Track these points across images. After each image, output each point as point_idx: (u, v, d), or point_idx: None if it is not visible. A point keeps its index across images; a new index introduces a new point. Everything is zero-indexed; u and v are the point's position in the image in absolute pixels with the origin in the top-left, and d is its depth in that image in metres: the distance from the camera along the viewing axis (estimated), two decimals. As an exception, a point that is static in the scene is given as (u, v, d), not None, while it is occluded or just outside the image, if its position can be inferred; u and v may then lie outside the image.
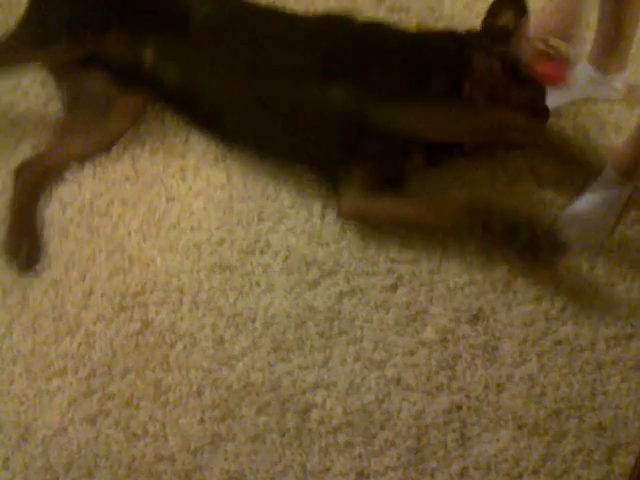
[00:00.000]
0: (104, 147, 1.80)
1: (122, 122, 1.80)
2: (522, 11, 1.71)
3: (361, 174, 1.64)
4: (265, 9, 1.79)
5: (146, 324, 1.62)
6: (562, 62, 1.74)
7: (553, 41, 1.73)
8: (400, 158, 1.66)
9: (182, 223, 1.72)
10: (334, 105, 1.60)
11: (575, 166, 1.73)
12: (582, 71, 1.82)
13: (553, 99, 1.80)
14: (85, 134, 1.79)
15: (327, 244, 1.68)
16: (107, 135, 1.80)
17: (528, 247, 1.58)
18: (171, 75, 1.71)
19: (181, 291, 1.65)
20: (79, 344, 1.61)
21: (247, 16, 1.74)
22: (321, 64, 1.63)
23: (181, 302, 1.64)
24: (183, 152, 1.80)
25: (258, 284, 1.65)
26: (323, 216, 1.71)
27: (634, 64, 1.83)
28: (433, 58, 1.65)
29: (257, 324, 1.61)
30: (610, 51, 1.76)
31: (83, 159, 1.79)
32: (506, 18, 1.73)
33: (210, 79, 1.69)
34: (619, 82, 1.82)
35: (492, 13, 1.75)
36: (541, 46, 1.72)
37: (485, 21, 1.76)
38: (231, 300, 1.63)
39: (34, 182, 1.76)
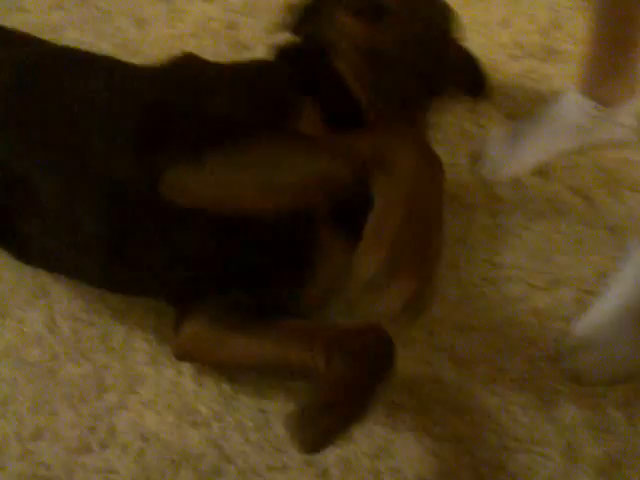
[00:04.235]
0: None
1: None
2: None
3: (220, 300, 1.03)
4: (87, 57, 1.18)
5: None
6: None
7: None
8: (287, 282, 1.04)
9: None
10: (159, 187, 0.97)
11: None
12: (571, 106, 1.22)
13: (535, 153, 1.22)
14: None
15: (199, 424, 1.05)
16: None
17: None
18: None
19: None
20: None
21: (56, 76, 1.13)
22: (139, 128, 1.00)
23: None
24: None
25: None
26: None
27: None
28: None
29: None
30: (611, 73, 1.17)
31: None
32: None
33: None
34: (628, 116, 1.23)
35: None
36: None
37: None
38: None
39: None
